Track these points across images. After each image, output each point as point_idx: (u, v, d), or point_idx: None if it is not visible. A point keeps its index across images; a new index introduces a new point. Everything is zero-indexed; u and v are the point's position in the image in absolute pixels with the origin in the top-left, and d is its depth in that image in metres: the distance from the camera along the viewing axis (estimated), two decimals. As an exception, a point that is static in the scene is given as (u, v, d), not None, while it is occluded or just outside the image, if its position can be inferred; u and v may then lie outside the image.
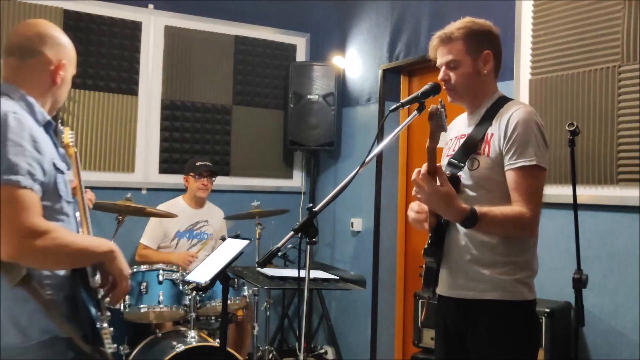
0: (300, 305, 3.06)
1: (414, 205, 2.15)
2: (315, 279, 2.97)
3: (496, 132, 2.01)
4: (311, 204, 2.44)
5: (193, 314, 3.47)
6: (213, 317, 3.70)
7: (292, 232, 1.93)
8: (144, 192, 4.52)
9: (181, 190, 4.33)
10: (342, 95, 4.97)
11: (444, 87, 2.11)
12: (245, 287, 3.71)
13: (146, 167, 4.56)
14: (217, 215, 4.32)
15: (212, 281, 2.47)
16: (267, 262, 2.02)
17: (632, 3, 2.83)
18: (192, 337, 3.36)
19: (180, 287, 3.52)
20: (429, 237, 2.05)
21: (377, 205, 4.50)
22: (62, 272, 1.73)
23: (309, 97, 4.79)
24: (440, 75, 2.12)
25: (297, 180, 5.15)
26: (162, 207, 4.11)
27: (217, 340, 3.35)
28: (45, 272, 1.69)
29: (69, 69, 1.86)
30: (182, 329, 3.59)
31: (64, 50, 1.85)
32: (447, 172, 2.01)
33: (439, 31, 2.12)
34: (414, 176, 1.86)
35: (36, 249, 1.58)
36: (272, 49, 5.03)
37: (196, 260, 3.95)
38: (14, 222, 1.56)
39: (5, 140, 1.60)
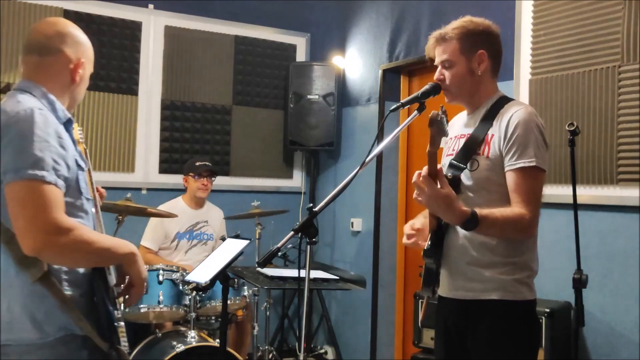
0: (300, 305, 3.06)
1: (407, 229, 2.15)
2: (315, 279, 2.97)
3: (496, 132, 2.01)
4: (311, 204, 2.44)
5: (193, 314, 3.47)
6: (213, 317, 3.69)
7: (292, 232, 1.93)
8: (144, 192, 4.52)
9: (181, 190, 4.33)
10: (342, 95, 4.97)
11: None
12: (245, 287, 3.71)
13: (146, 167, 4.56)
14: (216, 216, 4.32)
15: (212, 281, 2.47)
16: (267, 262, 2.02)
17: (632, 3, 2.83)
18: (192, 337, 3.35)
19: (180, 287, 3.51)
20: (429, 238, 2.05)
21: (377, 205, 4.50)
22: (81, 270, 1.74)
23: (309, 97, 4.79)
24: (436, 74, 2.12)
25: (297, 180, 5.15)
26: (162, 207, 4.10)
27: (217, 340, 3.35)
28: (64, 268, 1.70)
29: (87, 68, 1.89)
30: (182, 329, 3.58)
31: (82, 48, 1.87)
32: (449, 174, 2.01)
33: (436, 31, 2.12)
34: (414, 178, 1.86)
35: (59, 245, 1.59)
36: (272, 49, 5.03)
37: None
38: (38, 217, 1.57)
39: (32, 135, 1.61)
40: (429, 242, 2.04)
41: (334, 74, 4.84)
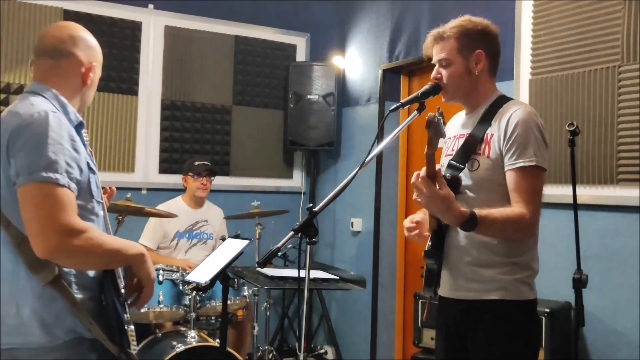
0: (300, 305, 3.06)
1: (406, 223, 2.15)
2: (315, 279, 2.97)
3: (496, 132, 2.01)
4: (311, 204, 2.44)
5: (193, 314, 3.47)
6: (213, 317, 3.69)
7: (292, 232, 1.93)
8: (144, 192, 4.52)
9: (181, 190, 4.33)
10: (342, 95, 4.97)
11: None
12: (245, 287, 3.71)
13: (146, 167, 4.56)
14: (216, 215, 4.32)
15: (212, 281, 2.47)
16: (267, 262, 2.02)
17: (632, 3, 2.83)
18: (192, 337, 3.36)
19: (180, 287, 3.52)
20: (429, 239, 2.05)
21: (377, 205, 4.50)
22: (91, 273, 1.74)
23: (308, 97, 4.79)
24: (433, 73, 2.12)
25: (297, 180, 5.15)
26: (161, 207, 4.10)
27: (217, 340, 3.35)
28: (74, 271, 1.71)
29: (97, 71, 1.91)
30: (182, 329, 3.59)
31: (94, 52, 1.90)
32: (448, 175, 2.01)
33: (434, 29, 2.12)
34: (412, 179, 1.86)
35: (72, 248, 1.60)
36: (272, 49, 5.03)
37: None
38: (51, 219, 1.58)
39: (46, 138, 1.62)
40: (430, 243, 2.04)
41: (334, 74, 4.84)
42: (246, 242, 2.55)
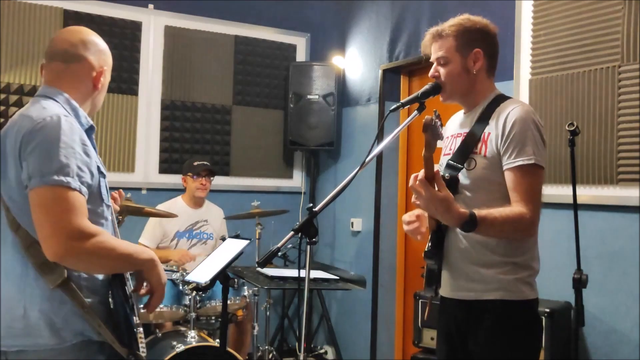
0: (300, 305, 3.06)
1: (405, 217, 2.15)
2: (315, 279, 2.97)
3: (493, 131, 2.00)
4: (311, 204, 2.44)
5: (193, 314, 3.47)
6: (213, 317, 3.69)
7: (292, 232, 1.93)
8: (143, 192, 4.53)
9: (181, 190, 4.33)
10: (342, 95, 4.97)
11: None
12: (245, 287, 3.71)
13: (146, 167, 4.56)
14: (216, 215, 4.32)
15: (212, 281, 2.47)
16: (267, 262, 2.02)
17: (632, 3, 2.83)
18: (192, 337, 3.35)
19: (180, 287, 3.51)
20: (429, 239, 2.05)
21: (377, 205, 4.50)
22: (100, 277, 1.75)
23: (308, 97, 4.79)
24: (431, 71, 2.11)
25: (297, 180, 5.15)
26: (161, 207, 4.11)
27: (217, 340, 3.35)
28: (84, 274, 1.71)
29: (108, 75, 1.96)
30: (182, 329, 3.59)
31: (104, 56, 1.94)
32: (446, 175, 2.01)
33: (433, 28, 2.12)
34: (410, 182, 1.85)
35: (82, 251, 1.60)
36: (272, 49, 5.03)
37: (194, 261, 3.96)
38: (62, 223, 1.58)
39: (58, 142, 1.63)
40: (429, 244, 2.04)
41: (334, 74, 4.84)
42: (246, 242, 2.55)
